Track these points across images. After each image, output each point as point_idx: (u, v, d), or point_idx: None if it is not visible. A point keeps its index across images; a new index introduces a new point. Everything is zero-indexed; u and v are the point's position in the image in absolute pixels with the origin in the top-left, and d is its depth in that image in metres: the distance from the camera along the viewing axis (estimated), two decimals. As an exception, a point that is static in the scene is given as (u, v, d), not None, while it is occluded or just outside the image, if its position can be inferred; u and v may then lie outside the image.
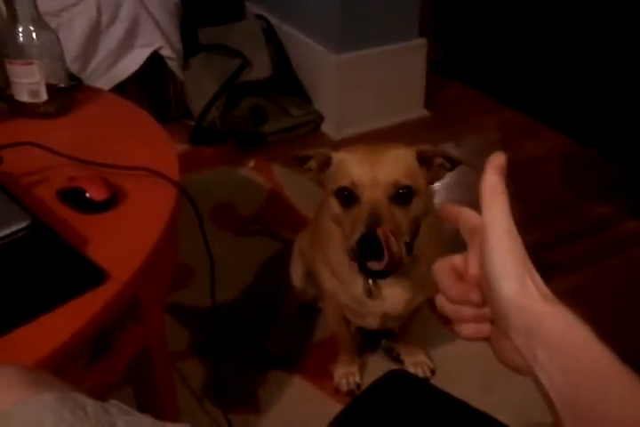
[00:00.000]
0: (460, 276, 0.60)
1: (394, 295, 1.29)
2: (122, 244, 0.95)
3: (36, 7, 1.23)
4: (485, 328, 0.59)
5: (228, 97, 2.38)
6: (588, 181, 2.31)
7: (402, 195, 1.11)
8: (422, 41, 2.55)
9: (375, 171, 1.11)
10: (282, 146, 2.40)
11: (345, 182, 1.12)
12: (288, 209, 2.09)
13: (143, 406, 1.19)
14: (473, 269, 0.59)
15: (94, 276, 0.86)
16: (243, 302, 1.75)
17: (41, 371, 0.56)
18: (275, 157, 2.33)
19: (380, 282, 1.26)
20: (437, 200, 2.24)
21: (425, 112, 2.65)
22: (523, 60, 2.82)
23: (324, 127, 2.54)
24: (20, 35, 1.22)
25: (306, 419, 1.44)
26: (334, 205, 1.15)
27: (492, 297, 0.55)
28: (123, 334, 0.99)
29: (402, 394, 0.91)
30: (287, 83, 2.59)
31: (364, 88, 2.48)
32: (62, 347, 0.77)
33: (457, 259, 0.61)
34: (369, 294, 1.27)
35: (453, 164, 1.18)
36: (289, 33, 2.59)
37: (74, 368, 0.89)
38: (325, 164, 1.18)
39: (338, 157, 1.16)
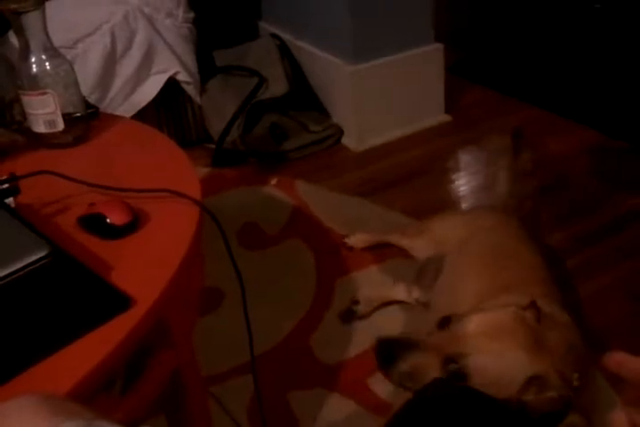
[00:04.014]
0: None
1: None
2: (145, 267, 0.93)
3: (47, 36, 1.23)
4: None
5: (246, 117, 2.38)
6: (620, 174, 2.25)
7: None
8: (438, 46, 2.52)
9: None
10: (303, 162, 2.39)
11: None
12: (314, 224, 2.07)
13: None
14: None
15: (119, 302, 0.84)
16: (276, 319, 1.72)
17: (62, 398, 0.54)
18: (297, 173, 2.32)
19: None
20: (465, 205, 2.20)
21: (446, 117, 2.62)
22: (542, 56, 2.78)
23: (345, 140, 2.52)
24: (34, 65, 1.22)
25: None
26: None
27: None
28: (153, 360, 0.97)
29: (450, 404, 0.87)
30: (305, 98, 2.58)
31: (382, 97, 2.46)
32: (91, 374, 0.75)
33: (636, 415, 0.54)
34: None
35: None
36: (303, 48, 2.59)
37: (104, 397, 0.87)
38: None
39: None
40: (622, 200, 2.12)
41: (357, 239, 1.97)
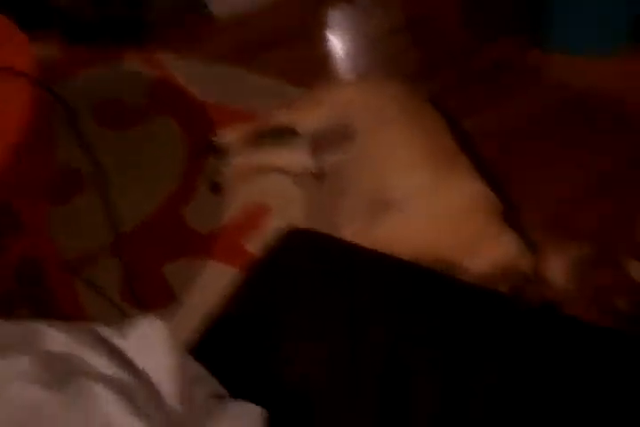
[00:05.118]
0: None
1: None
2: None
3: None
4: None
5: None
6: (487, 20, 2.24)
7: None
8: None
9: None
10: (166, 32, 2.23)
11: None
12: (181, 95, 1.97)
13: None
14: None
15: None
16: (147, 195, 1.68)
17: None
18: (160, 44, 2.17)
19: None
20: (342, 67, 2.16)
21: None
22: None
23: (210, 5, 2.35)
24: None
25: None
26: None
27: None
28: (3, 245, 0.92)
29: (311, 255, 0.86)
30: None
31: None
32: None
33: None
34: None
35: None
36: None
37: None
38: None
39: None
40: (488, 47, 2.12)
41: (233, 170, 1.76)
